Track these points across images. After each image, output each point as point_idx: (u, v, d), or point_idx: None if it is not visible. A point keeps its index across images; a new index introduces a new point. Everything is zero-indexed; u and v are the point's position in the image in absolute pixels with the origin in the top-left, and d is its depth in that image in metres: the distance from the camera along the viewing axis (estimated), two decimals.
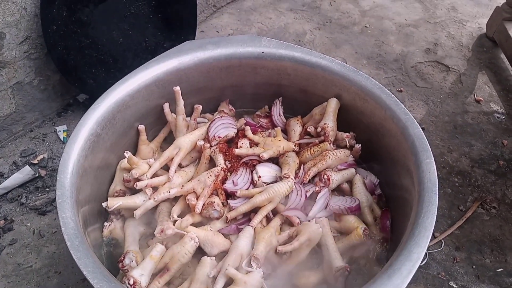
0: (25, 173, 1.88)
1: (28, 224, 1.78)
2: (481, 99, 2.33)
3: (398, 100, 1.33)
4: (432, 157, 1.18)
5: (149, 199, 1.31)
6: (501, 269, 1.66)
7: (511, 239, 1.75)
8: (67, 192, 1.13)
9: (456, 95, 2.35)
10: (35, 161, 1.99)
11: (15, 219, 1.79)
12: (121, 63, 2.04)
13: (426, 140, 1.22)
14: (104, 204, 1.31)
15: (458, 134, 2.16)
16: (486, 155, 2.06)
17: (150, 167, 1.38)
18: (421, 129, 1.25)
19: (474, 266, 1.67)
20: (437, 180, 1.12)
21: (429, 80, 2.44)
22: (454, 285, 1.60)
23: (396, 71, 2.48)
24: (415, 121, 1.27)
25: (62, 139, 2.08)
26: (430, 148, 1.20)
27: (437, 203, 1.07)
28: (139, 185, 1.32)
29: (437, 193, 1.09)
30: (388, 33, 2.75)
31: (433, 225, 1.04)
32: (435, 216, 1.05)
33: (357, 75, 1.42)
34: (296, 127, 1.56)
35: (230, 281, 1.15)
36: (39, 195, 1.87)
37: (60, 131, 2.11)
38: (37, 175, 1.92)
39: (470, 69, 2.51)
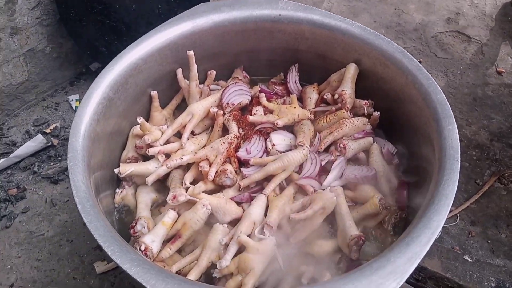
0: (38, 141, 1.88)
1: (41, 193, 1.79)
2: (503, 70, 2.25)
3: (420, 65, 1.28)
4: (455, 123, 1.13)
5: (162, 165, 1.30)
6: None
7: None
8: (79, 155, 1.11)
9: (477, 67, 2.28)
10: (48, 130, 1.98)
11: (27, 188, 1.80)
12: (134, 31, 2.00)
13: (449, 105, 1.17)
14: (116, 170, 1.29)
15: (478, 107, 2.09)
16: (505, 128, 2.00)
17: (162, 133, 1.36)
18: (443, 94, 1.19)
19: (489, 241, 1.64)
20: (459, 147, 1.08)
21: (450, 50, 2.36)
22: (469, 259, 1.57)
23: (416, 41, 2.40)
24: (438, 86, 1.21)
25: (74, 108, 2.07)
26: (453, 114, 1.15)
27: (458, 170, 1.03)
28: (151, 151, 1.30)
29: (459, 160, 1.05)
30: (408, 1, 2.65)
31: (454, 193, 1.00)
32: (457, 184, 1.01)
33: (378, 39, 1.36)
34: (312, 94, 1.51)
35: (242, 248, 1.14)
36: (52, 164, 1.87)
37: (72, 100, 2.10)
38: (49, 144, 1.92)
39: (492, 39, 2.41)
